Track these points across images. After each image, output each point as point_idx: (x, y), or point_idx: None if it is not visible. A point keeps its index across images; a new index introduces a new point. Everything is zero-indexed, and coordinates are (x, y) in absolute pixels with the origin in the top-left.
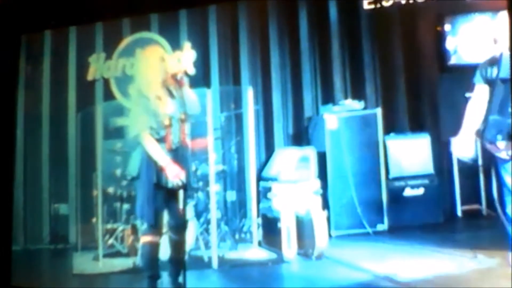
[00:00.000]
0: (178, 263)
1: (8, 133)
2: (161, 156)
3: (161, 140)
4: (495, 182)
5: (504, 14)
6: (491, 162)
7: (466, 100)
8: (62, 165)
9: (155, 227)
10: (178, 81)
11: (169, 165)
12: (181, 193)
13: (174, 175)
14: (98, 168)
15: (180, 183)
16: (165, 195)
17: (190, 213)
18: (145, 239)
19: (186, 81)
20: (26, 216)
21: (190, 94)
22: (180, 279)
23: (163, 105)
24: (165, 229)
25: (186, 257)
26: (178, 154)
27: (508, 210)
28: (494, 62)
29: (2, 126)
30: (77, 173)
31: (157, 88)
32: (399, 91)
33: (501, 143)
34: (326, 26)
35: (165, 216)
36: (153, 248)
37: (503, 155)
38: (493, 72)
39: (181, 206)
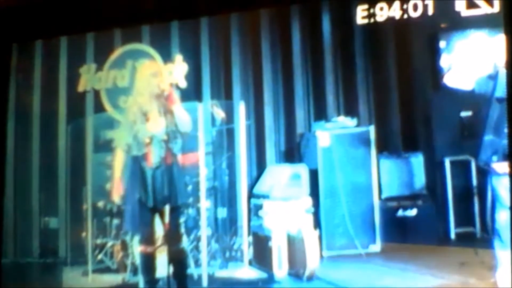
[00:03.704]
0: (176, 280)
1: None
2: (116, 170)
3: (142, 157)
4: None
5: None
6: (485, 177)
7: (461, 119)
8: (52, 178)
9: (143, 240)
10: (166, 97)
11: (115, 183)
12: (166, 208)
13: (114, 192)
14: (88, 182)
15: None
16: (148, 211)
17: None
18: (139, 249)
19: (176, 97)
20: (16, 229)
21: (181, 112)
22: None
23: (148, 122)
24: (158, 243)
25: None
26: (160, 172)
27: (497, 226)
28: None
29: None
30: (67, 187)
31: (147, 104)
32: (392, 108)
33: (497, 165)
34: (319, 41)
35: (156, 231)
36: (147, 258)
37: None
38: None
39: (166, 221)
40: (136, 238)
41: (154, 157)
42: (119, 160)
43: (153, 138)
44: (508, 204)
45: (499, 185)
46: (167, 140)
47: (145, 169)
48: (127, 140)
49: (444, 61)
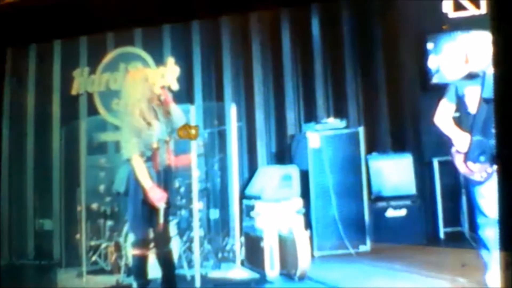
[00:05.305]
0: (167, 281)
1: None
2: (146, 180)
3: (147, 160)
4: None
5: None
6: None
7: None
8: (46, 180)
9: (144, 241)
10: (162, 102)
11: (152, 189)
12: (163, 210)
13: (158, 198)
14: (82, 184)
15: (163, 206)
16: (151, 212)
17: (173, 231)
18: (134, 252)
19: (170, 98)
20: (11, 231)
21: (175, 109)
22: None
23: (152, 128)
24: (151, 245)
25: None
26: (164, 175)
27: (481, 232)
28: (471, 80)
29: None
30: (61, 189)
31: (145, 110)
32: (381, 110)
33: (475, 174)
34: (309, 44)
35: (150, 232)
36: (142, 260)
37: (477, 177)
38: (469, 90)
39: (161, 221)
40: (130, 240)
41: (160, 159)
42: (142, 168)
43: (159, 141)
44: (488, 213)
45: (478, 194)
46: (168, 141)
47: (150, 170)
48: (139, 147)
49: (432, 63)
